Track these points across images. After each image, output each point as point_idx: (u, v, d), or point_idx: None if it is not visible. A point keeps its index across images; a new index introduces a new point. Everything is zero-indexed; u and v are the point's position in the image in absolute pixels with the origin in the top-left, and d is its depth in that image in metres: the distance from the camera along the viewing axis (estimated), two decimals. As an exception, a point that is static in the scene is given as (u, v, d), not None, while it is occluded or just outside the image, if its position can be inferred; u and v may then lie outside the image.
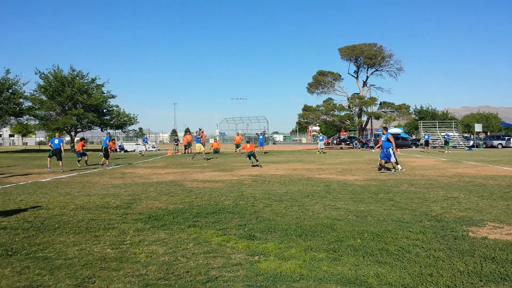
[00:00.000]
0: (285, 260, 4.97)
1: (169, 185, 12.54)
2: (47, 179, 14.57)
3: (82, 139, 24.91)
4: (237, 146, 35.28)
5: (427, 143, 38.38)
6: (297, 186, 11.88)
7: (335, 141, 69.03)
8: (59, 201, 9.53)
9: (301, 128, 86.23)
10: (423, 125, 57.25)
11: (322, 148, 35.67)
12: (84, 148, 23.50)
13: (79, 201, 9.45)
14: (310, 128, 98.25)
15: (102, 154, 22.87)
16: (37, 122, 48.55)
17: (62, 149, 18.82)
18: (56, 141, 19.19)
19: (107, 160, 21.79)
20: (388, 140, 16.20)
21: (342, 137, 72.33)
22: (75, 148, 24.13)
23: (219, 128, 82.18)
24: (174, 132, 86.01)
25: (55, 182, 13.56)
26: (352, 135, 70.46)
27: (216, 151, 36.58)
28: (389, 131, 17.85)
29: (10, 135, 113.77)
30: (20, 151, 51.44)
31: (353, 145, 51.50)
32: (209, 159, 26.69)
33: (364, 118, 51.35)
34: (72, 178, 15.20)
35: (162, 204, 9.04)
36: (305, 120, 52.41)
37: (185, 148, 37.05)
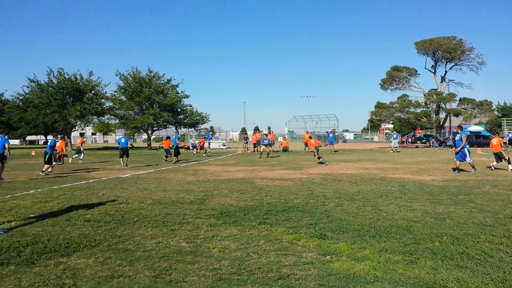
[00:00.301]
0: (359, 261, 4.85)
1: (239, 182, 12.75)
2: (127, 175, 15.41)
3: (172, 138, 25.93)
4: (306, 144, 35.05)
5: (511, 141, 35.67)
6: (369, 186, 11.56)
7: (409, 140, 66.29)
8: (138, 196, 10.04)
9: (373, 126, 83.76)
10: (506, 122, 53.29)
11: (396, 147, 34.41)
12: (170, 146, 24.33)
13: (156, 196, 9.90)
14: (382, 126, 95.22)
15: (171, 152, 23.72)
16: (117, 121, 51.48)
17: (128, 147, 19.69)
18: (123, 140, 20.18)
19: (175, 158, 22.95)
20: (461, 139, 15.23)
21: (418, 135, 69.27)
22: (162, 145, 25.31)
23: (288, 126, 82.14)
24: (243, 131, 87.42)
25: (134, 178, 14.30)
26: (428, 133, 67.21)
27: (285, 150, 36.60)
28: (469, 129, 16.80)
29: (92, 134, 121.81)
30: (101, 148, 54.87)
31: (430, 143, 49.12)
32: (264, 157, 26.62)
33: (442, 115, 48.70)
34: (149, 174, 15.95)
35: (233, 200, 9.21)
36: (378, 117, 50.79)
37: (254, 146, 37.47)
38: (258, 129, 58.32)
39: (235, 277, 4.35)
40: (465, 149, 15.12)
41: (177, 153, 23.23)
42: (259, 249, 5.37)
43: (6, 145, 13.84)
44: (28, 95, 47.06)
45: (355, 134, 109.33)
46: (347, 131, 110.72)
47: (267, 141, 27.44)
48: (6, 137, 14.15)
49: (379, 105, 49.57)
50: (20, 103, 47.96)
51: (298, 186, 11.69)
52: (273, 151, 35.89)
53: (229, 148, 46.95)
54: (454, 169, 15.49)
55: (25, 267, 4.67)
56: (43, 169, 16.28)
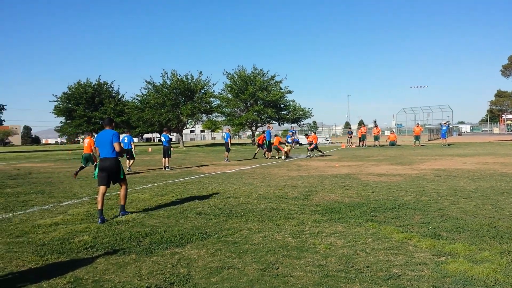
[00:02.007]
0: (477, 263, 4.46)
1: (344, 178, 12.49)
2: (233, 170, 15.97)
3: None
4: (417, 138, 33.20)
5: None
6: (488, 182, 10.58)
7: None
8: (244, 190, 10.35)
9: (493, 116, 76.46)
10: None
11: None
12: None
13: (261, 191, 10.11)
14: (504, 117, 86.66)
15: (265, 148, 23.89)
16: (224, 118, 53.73)
17: (169, 145, 18.48)
18: (163, 138, 19.27)
19: (269, 153, 23.20)
20: None
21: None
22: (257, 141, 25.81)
23: (396, 119, 78.60)
24: (347, 125, 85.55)
25: (240, 173, 14.78)
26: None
27: (393, 144, 35.07)
28: None
29: (201, 131, 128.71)
30: (209, 145, 57.68)
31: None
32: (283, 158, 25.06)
33: None
34: (253, 169, 16.36)
35: (338, 197, 9.04)
36: (498, 107, 46.42)
37: (360, 141, 36.48)
38: (363, 123, 56.63)
39: (342, 274, 4.26)
40: None
41: (270, 149, 23.50)
42: (366, 247, 5.20)
43: (132, 143, 16.57)
44: (145, 96, 51.14)
45: (472, 126, 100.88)
46: (462, 123, 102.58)
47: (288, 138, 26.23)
48: (131, 135, 16.46)
49: (500, 94, 45.28)
50: (138, 104, 52.27)
51: (408, 182, 11.11)
52: (363, 146, 34.57)
53: (332, 143, 46.33)
54: None
55: (144, 256, 5.06)
56: (167, 164, 17.52)
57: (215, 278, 4.23)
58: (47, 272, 4.52)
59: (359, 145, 36.17)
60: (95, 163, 13.57)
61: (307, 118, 52.46)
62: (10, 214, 7.90)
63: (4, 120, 52.15)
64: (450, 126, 55.25)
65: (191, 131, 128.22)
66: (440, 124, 40.32)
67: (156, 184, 12.19)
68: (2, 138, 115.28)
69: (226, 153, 21.99)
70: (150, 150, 36.70)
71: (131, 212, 7.75)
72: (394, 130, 57.84)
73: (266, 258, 4.82)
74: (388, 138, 37.13)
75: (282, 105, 51.32)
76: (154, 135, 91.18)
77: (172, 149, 18.28)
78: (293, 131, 37.58)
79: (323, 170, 15.31)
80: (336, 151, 29.08)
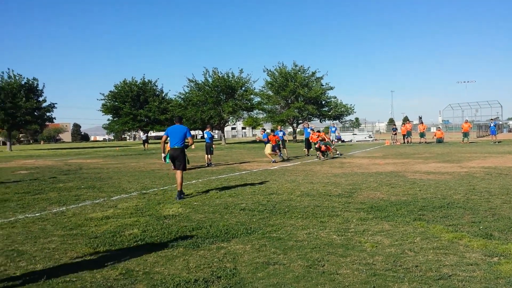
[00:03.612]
0: (534, 266, 4.27)
1: (389, 175, 12.24)
2: (275, 167, 16.00)
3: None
4: (465, 135, 32.01)
5: None
6: (544, 181, 10.07)
7: None
8: (287, 187, 10.35)
9: (546, 112, 72.40)
10: None
11: None
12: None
13: (304, 188, 10.08)
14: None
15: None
16: (264, 115, 53.85)
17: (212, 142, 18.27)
18: (205, 135, 19.05)
19: (308, 150, 22.93)
20: None
21: None
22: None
23: (442, 116, 75.99)
24: (391, 121, 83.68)
25: (282, 170, 14.78)
26: None
27: (440, 141, 33.98)
28: None
29: (242, 128, 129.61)
30: (250, 142, 57.92)
31: None
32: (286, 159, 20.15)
33: None
34: (296, 166, 16.32)
35: (384, 195, 8.88)
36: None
37: (404, 138, 35.58)
38: (408, 119, 55.20)
39: (390, 273, 4.20)
40: None
41: (309, 146, 23.22)
42: (415, 246, 5.09)
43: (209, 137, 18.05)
44: (188, 94, 52.03)
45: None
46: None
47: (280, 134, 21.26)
48: (210, 131, 18.28)
49: (555, 88, 42.73)
50: (181, 102, 53.25)
51: (457, 180, 10.75)
52: (409, 143, 33.50)
53: (375, 140, 45.45)
54: None
55: (192, 250, 5.17)
56: (210, 161, 17.75)
57: (261, 273, 4.27)
58: (100, 263, 4.71)
59: (404, 142, 35.29)
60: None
61: (349, 114, 51.72)
62: (64, 208, 8.28)
63: (55, 118, 54.28)
64: (500, 122, 52.89)
65: (233, 128, 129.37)
66: (492, 119, 38.63)
67: (200, 180, 12.41)
68: (53, 135, 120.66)
69: (284, 150, 20.86)
70: (193, 147, 37.31)
71: (178, 208, 7.94)
72: (440, 126, 56.01)
73: (311, 255, 4.81)
74: (435, 135, 35.98)
75: (323, 102, 50.83)
76: (196, 132, 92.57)
77: (213, 146, 18.54)
78: (332, 128, 36.94)
79: (367, 167, 15.06)
80: (380, 148, 28.52)
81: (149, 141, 42.57)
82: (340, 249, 5.04)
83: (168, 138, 9.38)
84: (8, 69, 56.74)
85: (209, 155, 17.82)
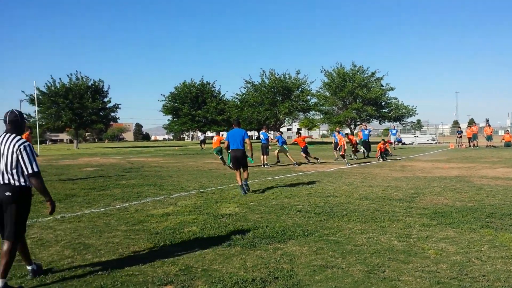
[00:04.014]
0: None
1: (454, 180, 11.67)
2: (332, 169, 15.76)
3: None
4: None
5: None
6: None
7: None
8: (344, 190, 10.15)
9: None
10: None
11: None
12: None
13: (362, 191, 9.84)
14: None
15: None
16: (321, 116, 53.24)
17: (268, 144, 18.29)
18: (261, 136, 19.03)
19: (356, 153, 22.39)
20: None
21: None
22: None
23: (511, 118, 71.57)
24: (455, 124, 79.93)
25: (339, 172, 14.53)
26: None
27: (508, 145, 31.97)
28: None
29: (298, 129, 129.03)
30: (308, 143, 57.52)
31: None
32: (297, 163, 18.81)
33: None
34: (353, 169, 15.98)
35: (448, 200, 8.47)
36: None
37: (470, 141, 33.85)
38: (474, 122, 52.44)
39: (455, 282, 3.99)
40: None
41: (369, 147, 22.56)
42: (482, 255, 4.80)
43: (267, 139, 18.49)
44: (244, 95, 52.57)
45: None
46: None
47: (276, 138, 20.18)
48: (266, 132, 18.99)
49: None
50: (238, 103, 53.90)
51: (528, 187, 10.04)
52: (474, 146, 31.71)
53: (439, 143, 43.59)
54: None
55: (249, 249, 5.19)
56: (266, 162, 17.78)
57: (318, 276, 4.20)
58: (161, 258, 4.85)
59: (469, 146, 33.57)
60: (221, 155, 18.21)
61: (410, 116, 49.88)
62: (127, 204, 8.62)
63: (119, 118, 56.83)
64: None
65: (288, 129, 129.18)
66: None
67: (256, 180, 12.46)
68: (117, 134, 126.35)
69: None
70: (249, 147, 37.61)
71: (234, 207, 8.02)
72: (509, 130, 52.73)
73: (371, 260, 4.67)
74: (503, 139, 33.86)
75: (383, 103, 49.42)
76: (252, 133, 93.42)
77: (269, 146, 18.57)
78: (395, 130, 35.56)
79: (430, 171, 14.46)
80: (444, 152, 27.29)
81: (206, 141, 43.42)
82: (402, 255, 4.86)
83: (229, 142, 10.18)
84: (76, 71, 60.34)
85: (265, 156, 17.86)
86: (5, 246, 3.88)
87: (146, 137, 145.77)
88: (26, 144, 3.92)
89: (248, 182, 10.08)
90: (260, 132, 18.93)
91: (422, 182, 11.47)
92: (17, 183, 3.89)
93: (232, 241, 5.56)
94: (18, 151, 3.88)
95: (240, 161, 9.94)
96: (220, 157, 18.55)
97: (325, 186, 10.80)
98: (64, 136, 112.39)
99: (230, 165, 10.46)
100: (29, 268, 4.21)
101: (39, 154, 13.80)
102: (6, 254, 3.84)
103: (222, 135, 23.78)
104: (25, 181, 3.93)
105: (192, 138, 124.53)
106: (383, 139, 22.82)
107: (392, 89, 48.41)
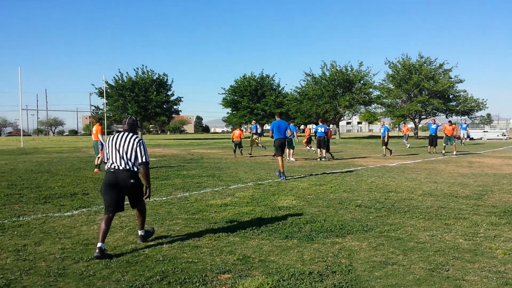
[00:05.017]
0: None
1: (527, 178, 10.92)
2: (394, 164, 15.29)
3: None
4: None
5: None
6: None
7: None
8: (407, 185, 9.81)
9: None
10: None
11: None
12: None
13: (426, 188, 9.47)
14: None
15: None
16: (383, 109, 51.72)
17: (295, 137, 17.81)
18: (321, 129, 17.95)
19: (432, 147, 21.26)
20: None
21: None
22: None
23: None
24: (530, 119, 74.46)
25: (401, 167, 14.07)
26: None
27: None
28: None
29: (358, 123, 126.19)
30: (366, 137, 56.18)
31: None
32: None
33: None
34: (417, 164, 15.41)
35: (520, 199, 7.95)
36: None
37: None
38: (551, 117, 48.68)
39: (527, 286, 3.74)
40: None
41: (433, 142, 21.41)
42: (558, 258, 4.46)
43: (293, 132, 17.17)
44: (304, 88, 52.17)
45: None
46: None
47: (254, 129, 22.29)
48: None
49: None
50: (297, 95, 53.61)
51: None
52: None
53: (510, 138, 40.94)
54: None
55: (306, 242, 5.16)
56: (324, 155, 17.52)
57: (378, 273, 4.10)
58: (219, 248, 4.95)
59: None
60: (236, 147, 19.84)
61: (480, 110, 47.24)
62: (187, 194, 8.87)
63: (181, 111, 58.43)
64: None
65: (348, 123, 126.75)
66: None
67: (314, 173, 12.37)
68: (178, 127, 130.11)
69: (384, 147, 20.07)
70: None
71: (292, 200, 8.02)
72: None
73: (434, 258, 4.49)
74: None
75: (451, 96, 47.13)
76: (310, 126, 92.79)
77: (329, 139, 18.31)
78: (466, 125, 33.44)
79: (500, 168, 13.63)
80: (515, 148, 25.60)
81: (264, 134, 43.62)
82: (468, 254, 4.62)
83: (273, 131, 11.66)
84: (142, 65, 62.65)
85: (323, 150, 17.66)
86: (138, 211, 5.24)
87: (206, 129, 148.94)
88: (142, 140, 5.05)
89: (306, 175, 10.17)
90: (318, 126, 18.57)
91: (491, 179, 10.84)
92: (135, 169, 4.97)
93: (289, 233, 5.56)
94: (137, 145, 4.96)
95: (282, 148, 11.71)
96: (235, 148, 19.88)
97: (386, 182, 10.51)
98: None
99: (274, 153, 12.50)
100: (99, 245, 4.67)
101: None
102: (143, 218, 5.27)
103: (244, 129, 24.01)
104: (137, 168, 4.99)
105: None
106: (450, 121, 21.74)
107: (461, 81, 46.05)
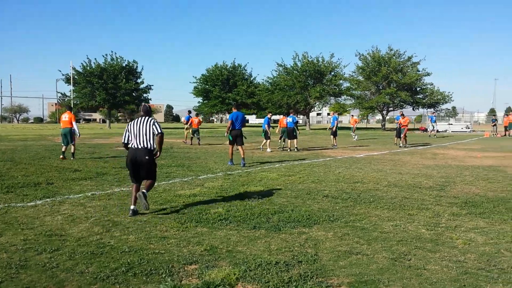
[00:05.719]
0: None
1: (487, 170, 11.34)
2: (361, 155, 15.57)
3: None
4: None
5: None
6: None
7: None
8: (373, 176, 10.02)
9: None
10: None
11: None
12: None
13: (391, 178, 9.69)
14: None
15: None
16: (352, 101, 52.49)
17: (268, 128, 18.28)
18: (290, 119, 18.05)
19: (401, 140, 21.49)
20: None
21: None
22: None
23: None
24: (492, 112, 77.32)
25: (368, 159, 14.34)
26: None
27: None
28: None
29: (328, 114, 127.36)
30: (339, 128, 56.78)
31: None
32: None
33: None
34: (383, 155, 15.75)
35: (480, 190, 8.26)
36: None
37: (506, 130, 32.75)
38: (511, 110, 50.59)
39: (483, 273, 3.90)
40: None
41: (399, 134, 21.81)
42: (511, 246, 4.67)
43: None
44: (275, 78, 52.28)
45: None
46: None
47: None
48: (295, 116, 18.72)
49: None
50: (269, 86, 53.70)
51: None
52: (510, 135, 30.53)
53: (473, 131, 42.33)
54: None
55: (273, 232, 5.21)
56: (296, 145, 17.67)
57: (343, 262, 4.19)
58: (187, 238, 4.93)
59: (505, 135, 32.50)
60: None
61: (446, 103, 48.59)
62: (155, 184, 8.76)
63: (150, 99, 57.66)
64: None
65: (318, 114, 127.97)
66: None
67: (283, 164, 12.46)
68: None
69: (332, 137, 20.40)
70: (278, 131, 37.65)
71: (261, 191, 8.05)
72: None
73: (397, 248, 4.61)
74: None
75: (418, 88, 48.25)
76: (280, 117, 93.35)
77: (298, 131, 18.42)
78: (432, 118, 33.94)
79: (463, 160, 14.10)
80: (479, 140, 26.52)
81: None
82: (429, 244, 4.78)
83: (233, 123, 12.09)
84: (112, 51, 61.26)
85: (294, 140, 17.76)
86: (149, 182, 6.32)
87: (176, 118, 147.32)
88: (155, 120, 6.28)
89: (276, 166, 10.19)
90: (288, 116, 18.45)
91: (454, 170, 11.20)
92: (152, 148, 6.16)
93: (257, 223, 5.60)
94: (153, 124, 6.19)
95: (239, 139, 12.14)
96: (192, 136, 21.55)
97: (353, 172, 10.70)
98: (97, 115, 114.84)
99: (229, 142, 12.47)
100: (132, 207, 6.08)
101: (79, 135, 14.18)
102: (150, 185, 6.36)
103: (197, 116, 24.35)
104: (153, 145, 6.16)
105: (221, 121, 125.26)
106: (402, 113, 22.12)
107: (428, 74, 47.24)
